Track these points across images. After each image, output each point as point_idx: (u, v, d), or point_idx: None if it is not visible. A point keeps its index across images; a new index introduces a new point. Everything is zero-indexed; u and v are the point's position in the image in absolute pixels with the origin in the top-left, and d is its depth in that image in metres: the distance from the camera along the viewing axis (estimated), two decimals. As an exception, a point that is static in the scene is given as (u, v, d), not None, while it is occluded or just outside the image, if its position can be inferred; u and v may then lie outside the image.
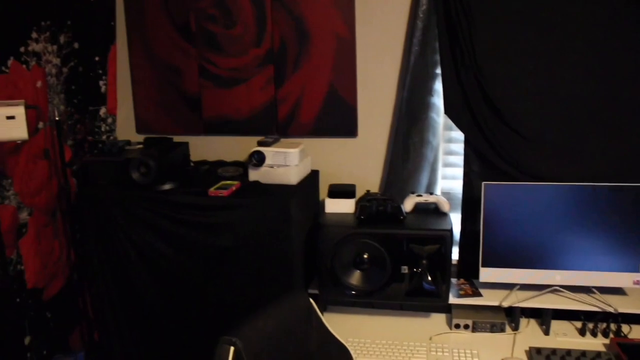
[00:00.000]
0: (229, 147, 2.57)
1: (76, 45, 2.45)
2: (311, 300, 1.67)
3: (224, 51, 2.45)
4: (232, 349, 1.44)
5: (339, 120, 2.41)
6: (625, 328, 2.15)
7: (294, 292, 1.68)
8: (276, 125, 2.48)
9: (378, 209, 2.13)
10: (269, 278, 2.10)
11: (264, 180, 2.23)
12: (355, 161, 2.45)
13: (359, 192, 2.33)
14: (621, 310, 2.08)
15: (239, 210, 2.08)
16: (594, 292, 2.17)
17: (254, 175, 2.24)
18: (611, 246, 2.12)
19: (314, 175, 2.40)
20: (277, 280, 2.10)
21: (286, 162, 2.20)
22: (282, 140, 2.39)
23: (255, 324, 1.53)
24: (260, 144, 2.25)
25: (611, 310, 2.08)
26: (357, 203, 2.22)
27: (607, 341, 2.10)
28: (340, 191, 2.27)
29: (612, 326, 2.13)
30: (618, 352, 1.94)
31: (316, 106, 2.42)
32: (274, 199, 2.07)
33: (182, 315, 2.23)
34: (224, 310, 2.18)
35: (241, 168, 2.37)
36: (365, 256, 2.09)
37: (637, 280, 2.12)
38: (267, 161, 2.20)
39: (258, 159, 2.21)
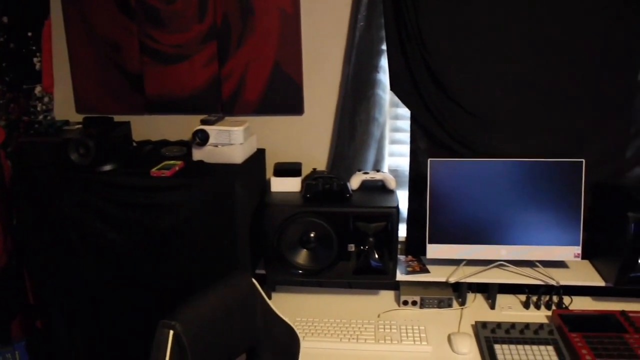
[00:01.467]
0: (173, 126, 2.50)
1: (5, 19, 2.32)
2: (254, 280, 1.64)
3: (165, 27, 2.37)
4: (171, 332, 1.40)
5: (285, 97, 2.37)
6: (567, 300, 2.19)
7: (236, 272, 1.64)
8: (221, 104, 2.42)
9: (324, 187, 2.11)
10: (215, 259, 2.06)
11: (208, 159, 2.18)
12: (302, 139, 2.42)
13: (306, 171, 2.30)
14: (563, 282, 2.13)
15: (183, 191, 2.02)
16: (537, 266, 2.21)
17: (198, 154, 2.19)
18: (553, 221, 2.15)
19: (260, 154, 2.35)
20: (224, 261, 2.06)
21: (230, 141, 2.15)
22: (227, 118, 2.33)
23: (195, 307, 1.49)
24: (203, 122, 2.19)
25: (553, 283, 2.12)
26: (303, 181, 2.19)
27: (549, 313, 2.14)
28: (286, 169, 2.23)
29: (555, 298, 2.18)
30: (559, 324, 1.98)
31: (261, 84, 2.37)
32: (218, 178, 2.02)
33: (127, 299, 2.17)
34: (170, 293, 2.12)
35: (185, 148, 2.31)
36: (312, 235, 2.07)
37: (578, 254, 2.16)
38: (211, 140, 2.15)
39: (202, 138, 2.15)
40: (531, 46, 2.13)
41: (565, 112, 2.18)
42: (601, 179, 2.23)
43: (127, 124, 2.38)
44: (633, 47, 2.11)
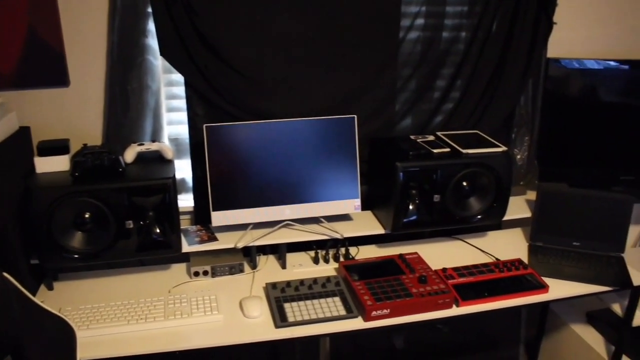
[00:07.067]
0: None
1: None
2: (6, 274, 1.47)
3: None
4: None
5: (45, 68, 2.13)
6: (354, 250, 2.30)
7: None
8: (-31, 79, 2.13)
9: (94, 163, 1.96)
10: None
11: (-47, 144, 1.91)
12: (71, 113, 2.21)
13: (77, 147, 2.12)
14: (347, 234, 2.22)
15: None
16: (322, 222, 2.28)
17: (-59, 139, 1.91)
18: (333, 176, 2.22)
19: (22, 133, 2.11)
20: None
21: (-20, 121, 1.90)
22: (-24, 95, 2.06)
23: None
24: (-57, 101, 1.91)
25: (338, 236, 2.21)
26: (71, 159, 2.02)
27: (337, 265, 2.23)
28: (51, 148, 2.03)
29: (342, 250, 2.27)
30: (345, 274, 2.06)
31: (15, 53, 2.11)
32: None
33: None
34: None
35: None
36: (87, 216, 1.92)
37: (357, 205, 2.27)
38: (-44, 121, 1.89)
39: (-58, 119, 1.88)
40: (300, 7, 2.14)
41: (336, 71, 2.25)
42: (374, 133, 2.34)
43: None
44: (394, 7, 2.22)
